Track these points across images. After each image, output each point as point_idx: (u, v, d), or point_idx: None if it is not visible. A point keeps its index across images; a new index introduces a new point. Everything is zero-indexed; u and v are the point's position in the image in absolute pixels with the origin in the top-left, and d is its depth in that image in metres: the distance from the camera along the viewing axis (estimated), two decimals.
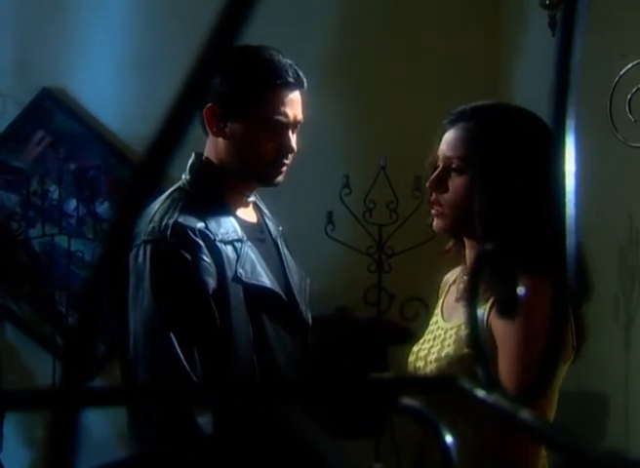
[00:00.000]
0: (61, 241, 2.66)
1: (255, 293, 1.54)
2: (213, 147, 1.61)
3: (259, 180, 1.65)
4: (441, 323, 1.47)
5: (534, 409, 1.32)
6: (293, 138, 1.61)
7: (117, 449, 2.27)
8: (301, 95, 1.61)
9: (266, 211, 1.77)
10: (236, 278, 1.52)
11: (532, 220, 1.30)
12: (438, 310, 1.53)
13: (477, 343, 0.52)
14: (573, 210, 0.42)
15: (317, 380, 0.54)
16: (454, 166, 1.39)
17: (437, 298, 1.57)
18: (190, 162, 1.63)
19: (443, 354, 1.38)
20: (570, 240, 0.42)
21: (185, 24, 2.63)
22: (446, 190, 1.40)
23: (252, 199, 1.70)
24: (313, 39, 2.72)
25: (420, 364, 1.44)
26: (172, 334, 1.44)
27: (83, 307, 0.35)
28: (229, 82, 1.54)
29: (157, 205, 1.54)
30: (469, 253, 1.46)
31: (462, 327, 1.39)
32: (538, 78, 2.47)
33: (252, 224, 1.67)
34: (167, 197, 1.57)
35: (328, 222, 2.54)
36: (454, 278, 1.54)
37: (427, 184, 1.43)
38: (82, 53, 2.68)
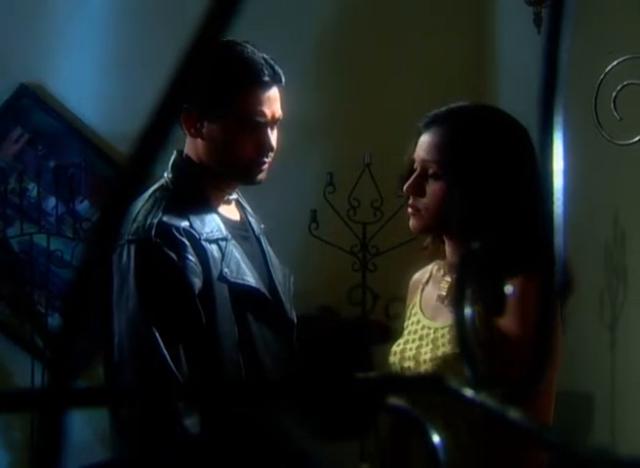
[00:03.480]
0: (40, 240, 2.62)
1: (240, 293, 1.53)
2: (192, 147, 1.60)
3: (239, 180, 1.63)
4: (426, 322, 1.47)
5: (536, 407, 1.28)
6: (272, 136, 1.59)
7: (97, 453, 2.23)
8: (279, 90, 1.59)
9: (249, 208, 1.76)
10: (222, 277, 1.50)
11: (514, 222, 1.31)
12: (417, 309, 1.52)
13: (464, 342, 0.51)
14: (561, 208, 0.42)
15: (302, 380, 0.52)
16: (430, 171, 1.41)
17: (409, 298, 1.57)
18: (172, 160, 1.61)
19: (439, 353, 1.38)
20: (558, 239, 0.42)
21: (165, 21, 2.60)
22: (423, 194, 1.42)
23: (234, 197, 1.68)
24: (298, 37, 2.69)
25: (410, 364, 1.43)
26: (157, 334, 1.42)
27: (67, 307, 0.35)
28: (203, 83, 1.52)
29: (140, 203, 1.52)
30: (449, 250, 1.46)
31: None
32: (523, 75, 2.46)
33: (235, 222, 1.65)
34: (150, 196, 1.54)
35: (312, 221, 2.52)
36: (427, 276, 1.54)
37: (405, 188, 1.45)
38: (61, 49, 2.64)
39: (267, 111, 1.55)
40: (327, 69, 2.75)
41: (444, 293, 1.46)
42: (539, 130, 0.42)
